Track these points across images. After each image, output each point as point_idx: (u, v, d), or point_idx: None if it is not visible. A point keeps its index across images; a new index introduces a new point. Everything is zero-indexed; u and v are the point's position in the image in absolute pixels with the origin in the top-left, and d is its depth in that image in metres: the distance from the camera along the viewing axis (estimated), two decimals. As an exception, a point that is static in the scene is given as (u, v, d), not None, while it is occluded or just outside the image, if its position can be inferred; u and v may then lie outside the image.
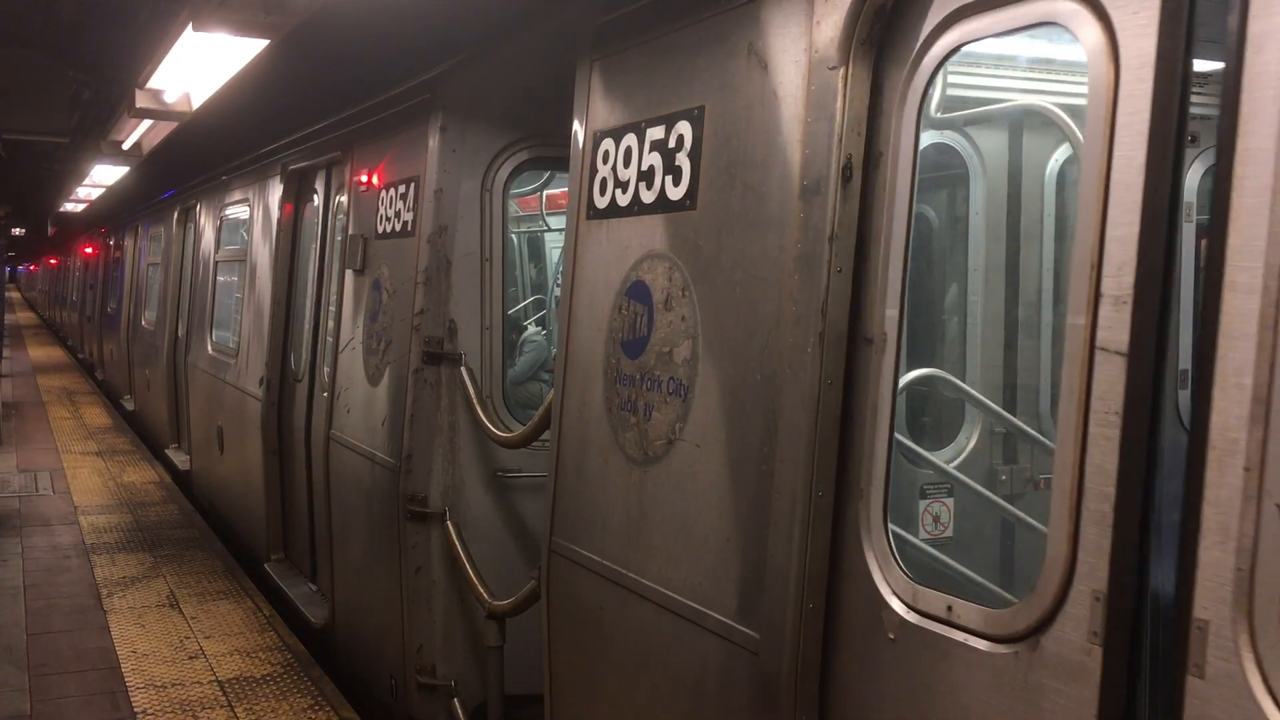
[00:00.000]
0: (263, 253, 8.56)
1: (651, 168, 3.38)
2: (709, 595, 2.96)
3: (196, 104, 8.63)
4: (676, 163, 3.25)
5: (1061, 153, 4.50)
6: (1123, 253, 1.83)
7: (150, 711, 5.66)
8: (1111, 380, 1.83)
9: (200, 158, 10.89)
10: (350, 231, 6.32)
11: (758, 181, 2.89)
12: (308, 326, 7.53)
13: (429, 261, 5.16)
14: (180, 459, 11.82)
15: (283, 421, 7.91)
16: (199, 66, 7.12)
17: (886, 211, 2.51)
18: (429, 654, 5.17)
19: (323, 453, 6.54)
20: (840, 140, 2.60)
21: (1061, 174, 4.52)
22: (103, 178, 17.22)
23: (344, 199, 6.55)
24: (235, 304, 9.95)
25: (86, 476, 11.80)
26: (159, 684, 6.02)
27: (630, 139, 3.51)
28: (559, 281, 9.05)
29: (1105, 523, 1.83)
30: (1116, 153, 1.85)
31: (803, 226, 2.69)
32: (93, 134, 14.02)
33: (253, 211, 9.09)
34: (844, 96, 2.60)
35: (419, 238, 5.27)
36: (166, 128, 9.79)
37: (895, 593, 2.37)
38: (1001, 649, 2.08)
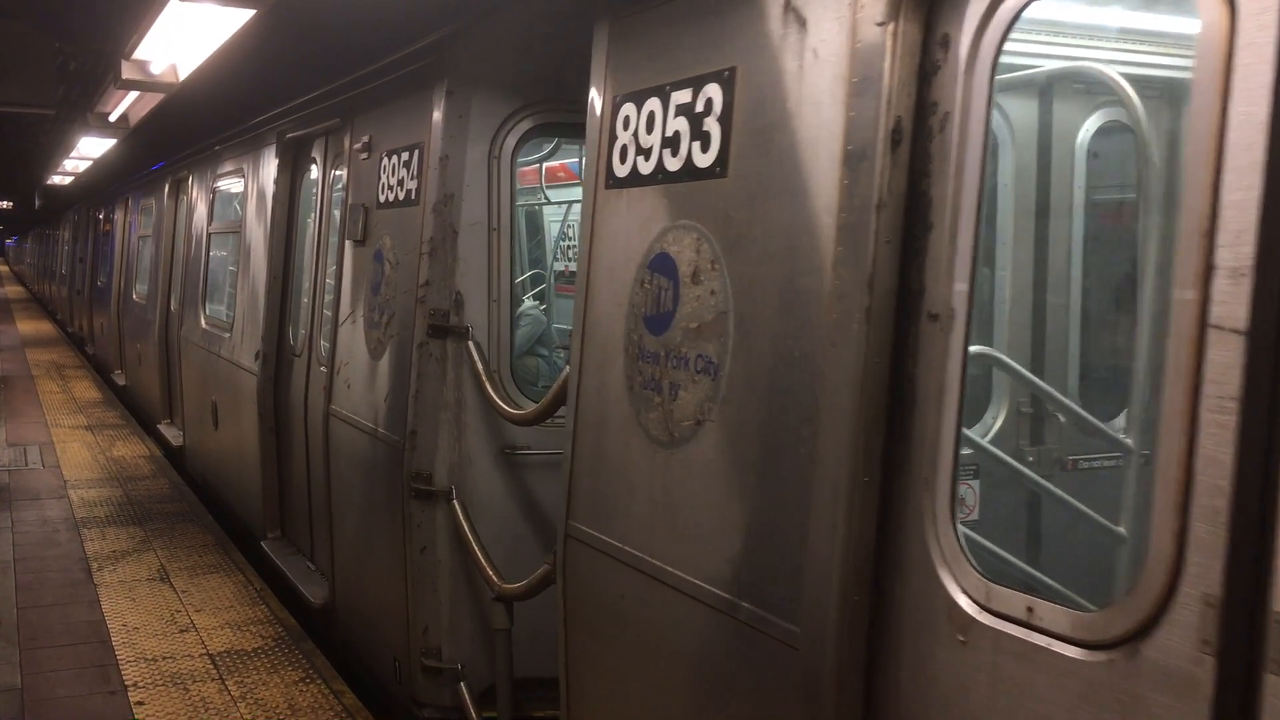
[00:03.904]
0: (258, 224, 8.35)
1: (677, 134, 3.21)
2: (742, 585, 2.81)
3: (184, 75, 8.47)
4: (705, 128, 3.08)
5: (1093, 121, 4.34)
6: (1241, 219, 1.66)
7: (141, 684, 5.65)
8: (1227, 362, 1.66)
9: (191, 128, 10.65)
10: (350, 201, 6.12)
11: (796, 147, 2.72)
12: (305, 299, 7.33)
13: (434, 231, 4.99)
14: (173, 434, 11.65)
15: (279, 397, 7.73)
16: (186, 36, 6.98)
17: (954, 178, 2.34)
18: (434, 636, 5.02)
19: (322, 429, 6.38)
20: (889, 102, 2.43)
21: (1091, 144, 4.37)
22: (90, 150, 16.99)
23: (343, 168, 6.36)
24: (229, 277, 9.74)
25: (76, 450, 11.74)
26: (150, 657, 6.02)
27: (653, 103, 3.34)
28: (560, 255, 8.96)
29: (1219, 520, 1.67)
30: (1233, 109, 1.68)
31: (847, 194, 2.52)
32: (79, 106, 13.84)
33: (247, 182, 8.86)
34: (893, 54, 2.43)
35: (423, 207, 5.09)
36: (154, 99, 9.61)
37: (965, 590, 2.21)
38: (1093, 656, 1.92)
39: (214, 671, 5.85)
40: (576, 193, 8.07)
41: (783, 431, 2.68)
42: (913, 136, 2.44)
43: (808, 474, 2.58)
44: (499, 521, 4.98)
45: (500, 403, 4.68)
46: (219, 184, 10.19)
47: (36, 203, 35.22)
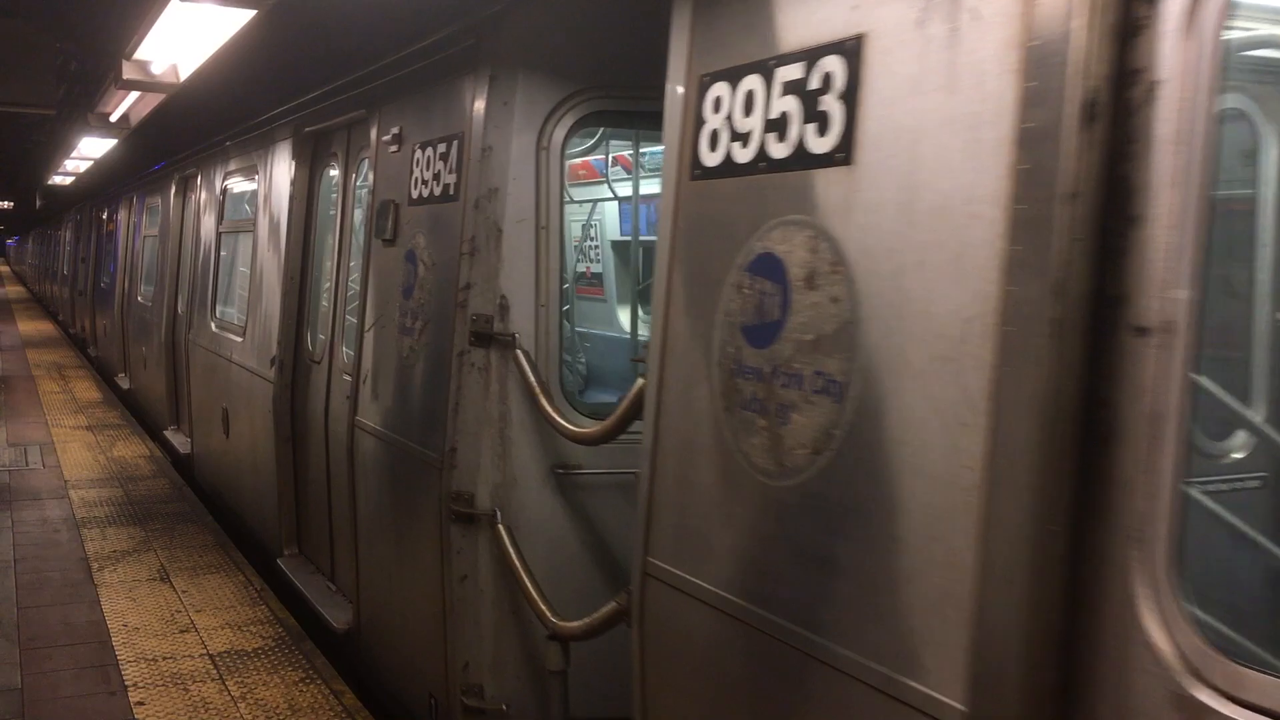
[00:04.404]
0: (272, 223, 7.89)
1: (784, 115, 2.77)
2: (885, 653, 2.37)
3: (189, 72, 8.27)
4: (822, 108, 2.64)
5: None
6: None
7: (141, 684, 5.63)
8: None
9: (199, 124, 10.22)
10: (378, 198, 5.68)
11: (947, 126, 2.28)
12: (326, 303, 6.89)
13: (476, 229, 4.55)
14: (180, 441, 11.23)
15: (296, 405, 7.30)
16: (189, 36, 6.92)
17: (1174, 164, 1.90)
18: (476, 673, 4.58)
19: (346, 442, 5.94)
20: (1082, 69, 2.00)
21: None
22: (91, 150, 16.67)
23: (370, 162, 5.91)
24: (241, 278, 9.26)
25: (77, 450, 11.62)
26: (150, 657, 6.00)
27: (752, 82, 2.90)
28: (581, 255, 8.43)
29: None
30: None
31: (1025, 182, 2.08)
32: (80, 106, 13.57)
33: (261, 178, 8.40)
34: (1088, 10, 1.99)
35: (464, 203, 4.65)
36: (158, 97, 9.42)
37: (1200, 675, 1.76)
38: None
39: (214, 672, 5.83)
40: (599, 191, 7.62)
41: (937, 468, 2.24)
42: (1111, 110, 2.00)
43: (970, 520, 2.14)
44: (548, 547, 4.54)
45: (558, 418, 4.24)
46: (230, 181, 9.73)
47: (37, 203, 34.92)
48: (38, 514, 8.95)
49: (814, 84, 2.67)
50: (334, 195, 7.00)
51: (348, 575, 6.15)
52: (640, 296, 9.37)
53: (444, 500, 4.59)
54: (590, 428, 4.14)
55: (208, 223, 10.40)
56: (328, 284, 6.93)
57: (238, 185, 9.61)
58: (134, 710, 5.31)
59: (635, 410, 3.59)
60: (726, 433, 2.90)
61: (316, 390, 6.97)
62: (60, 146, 18.12)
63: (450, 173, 4.82)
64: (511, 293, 4.51)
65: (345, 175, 6.71)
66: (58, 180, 24.48)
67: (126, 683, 5.63)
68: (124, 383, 15.27)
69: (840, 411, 2.52)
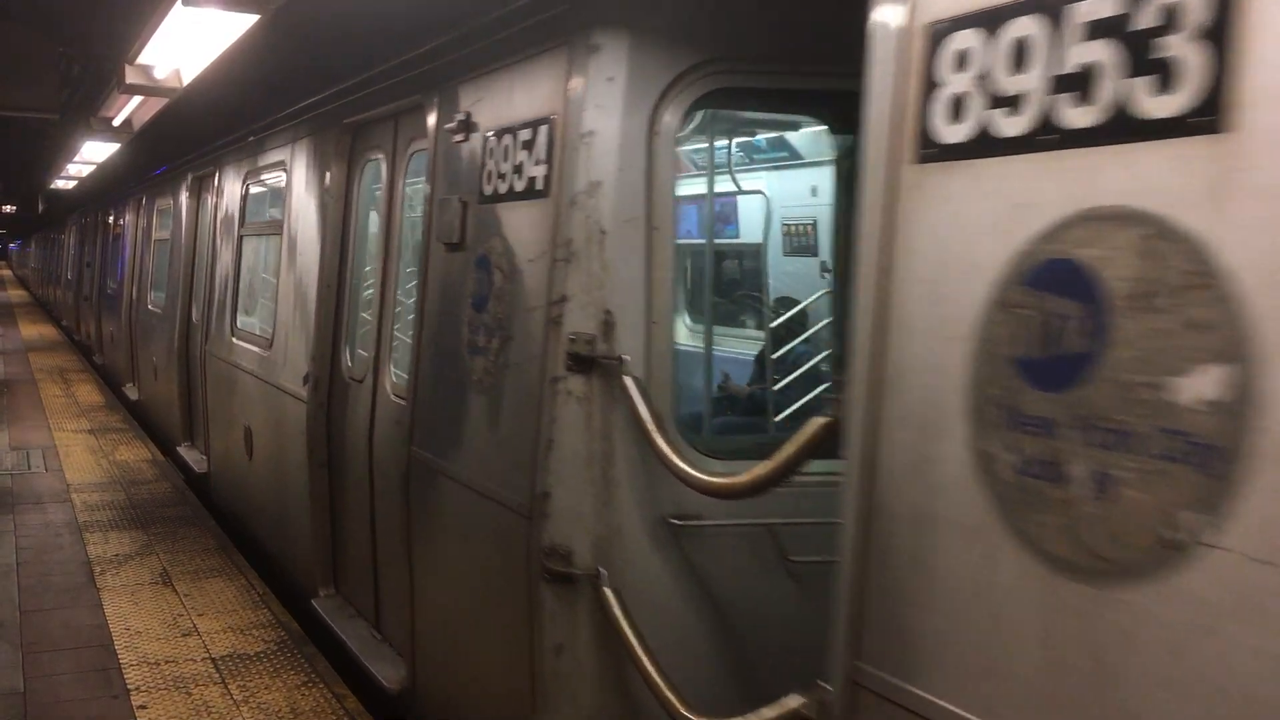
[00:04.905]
0: (304, 224, 7.07)
1: (1086, 69, 2.00)
2: None
3: (189, 78, 8.23)
4: (1159, 52, 1.87)
5: None
6: None
7: (144, 688, 5.60)
8: None
9: (216, 120, 9.48)
10: (440, 195, 4.87)
11: None
12: (371, 314, 6.09)
13: (574, 231, 3.77)
14: (195, 459, 10.46)
15: (333, 427, 6.49)
16: (194, 37, 6.91)
17: None
18: None
19: (398, 475, 5.15)
20: None
21: None
22: (93, 154, 16.36)
23: (428, 154, 5.10)
24: (265, 285, 8.46)
25: (79, 454, 11.56)
26: (152, 661, 5.97)
27: (1024, 25, 2.13)
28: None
29: None
30: None
31: None
32: (83, 110, 13.44)
33: (291, 176, 7.51)
34: None
35: (556, 199, 3.87)
36: (165, 91, 9.15)
37: None
38: None
39: (216, 675, 5.80)
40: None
41: None
42: None
43: None
44: (656, 613, 3.73)
45: (684, 465, 3.43)
46: (254, 180, 8.86)
47: (40, 207, 34.42)
48: (40, 517, 8.88)
49: (1146, 20, 1.90)
50: (377, 193, 6.22)
51: (399, 626, 5.37)
52: (691, 307, 8.68)
53: (534, 555, 3.81)
54: (730, 476, 3.32)
55: (227, 225, 9.55)
56: (371, 294, 6.13)
57: (261, 185, 8.78)
58: (136, 714, 5.26)
59: (804, 455, 2.82)
60: (993, 503, 2.12)
61: (357, 412, 6.17)
62: (63, 150, 17.85)
63: (537, 164, 4.04)
64: (618, 307, 3.72)
65: (392, 171, 5.88)
66: (60, 184, 23.99)
67: (129, 686, 5.59)
68: (132, 393, 14.53)
69: (1214, 487, 1.74)
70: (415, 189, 5.64)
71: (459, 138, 4.69)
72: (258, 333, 8.28)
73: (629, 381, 3.64)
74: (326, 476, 6.51)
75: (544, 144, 3.99)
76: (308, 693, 5.56)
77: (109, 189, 19.15)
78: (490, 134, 4.44)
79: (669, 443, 3.50)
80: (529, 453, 3.89)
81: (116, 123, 12.89)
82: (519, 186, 4.17)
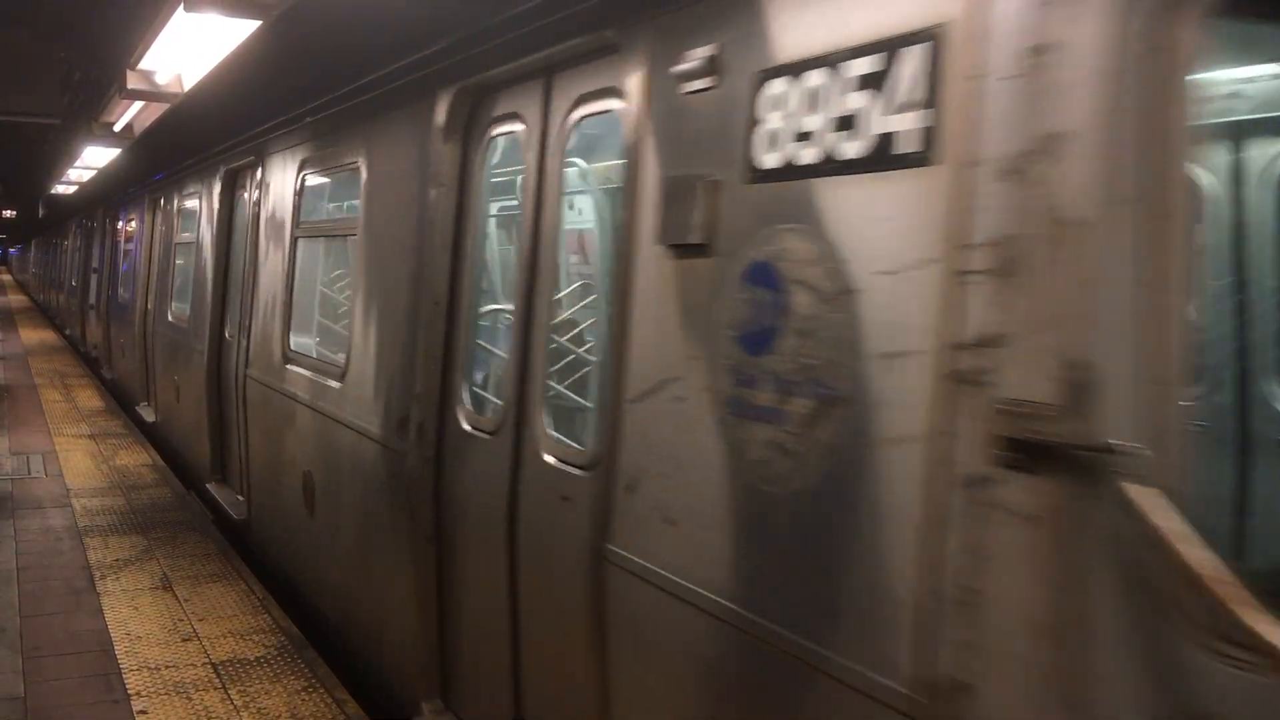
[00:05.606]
0: (395, 222, 5.50)
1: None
2: None
3: (197, 78, 8.29)
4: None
5: None
6: None
7: (144, 693, 5.63)
8: None
9: (262, 98, 7.78)
10: (654, 173, 3.36)
11: None
12: (508, 345, 4.56)
13: (1009, 221, 2.16)
14: (231, 501, 8.96)
15: (445, 491, 4.92)
16: (195, 43, 6.96)
17: None
18: None
19: (580, 574, 3.64)
20: None
21: None
22: (95, 159, 16.75)
23: (630, 116, 3.50)
24: (334, 299, 7.58)
25: (79, 459, 11.61)
26: (152, 666, 5.99)
27: None
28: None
29: None
30: None
31: None
32: (84, 114, 13.65)
33: (371, 160, 5.92)
34: None
35: (958, 166, 2.30)
36: (167, 96, 9.38)
37: None
38: None
39: (217, 680, 5.81)
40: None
41: None
42: None
43: None
44: None
45: None
46: (312, 170, 7.15)
47: (40, 211, 34.99)
48: (40, 522, 8.90)
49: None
50: (514, 177, 4.96)
51: None
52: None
53: None
54: None
55: (274, 226, 7.84)
56: (508, 316, 4.71)
57: (325, 174, 7.08)
58: (136, 719, 5.31)
59: None
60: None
61: (484, 473, 4.54)
62: (64, 155, 18.16)
63: (900, 110, 2.47)
64: (1100, 356, 2.04)
65: (541, 145, 4.27)
66: (61, 189, 24.51)
67: (129, 691, 5.62)
68: (148, 415, 13.15)
69: None
70: (576, 170, 4.55)
71: (696, 85, 3.21)
72: (324, 359, 6.96)
73: (1136, 492, 1.97)
74: (434, 554, 4.98)
75: (919, 75, 2.43)
76: (308, 698, 5.56)
77: (119, 188, 17.37)
78: (768, 72, 2.91)
79: (1242, 602, 1.86)
80: (900, 602, 2.36)
81: (118, 128, 13.00)
82: (853, 151, 2.61)
